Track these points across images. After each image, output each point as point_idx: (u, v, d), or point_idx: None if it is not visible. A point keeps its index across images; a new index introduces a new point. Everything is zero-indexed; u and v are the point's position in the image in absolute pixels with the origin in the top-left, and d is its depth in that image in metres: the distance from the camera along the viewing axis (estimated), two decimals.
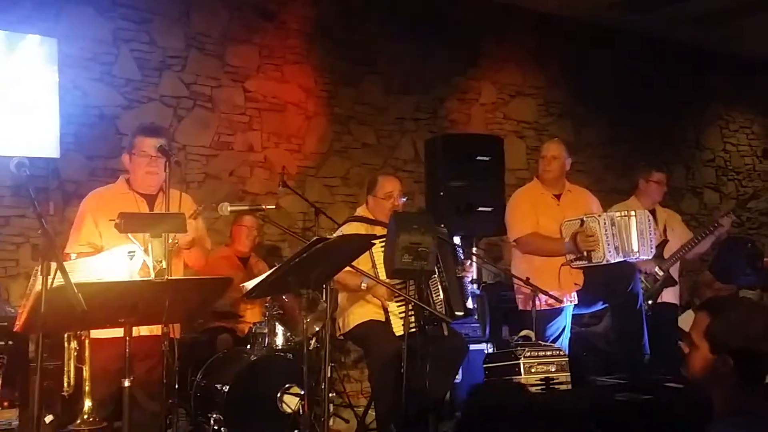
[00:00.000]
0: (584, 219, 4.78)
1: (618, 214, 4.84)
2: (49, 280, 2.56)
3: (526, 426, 2.91)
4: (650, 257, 5.05)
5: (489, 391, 3.87)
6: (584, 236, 4.73)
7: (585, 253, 4.75)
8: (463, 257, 4.72)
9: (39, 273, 2.60)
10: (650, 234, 4.92)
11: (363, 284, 4.42)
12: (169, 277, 3.05)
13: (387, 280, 4.19)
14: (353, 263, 3.98)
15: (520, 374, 4.22)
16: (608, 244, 4.71)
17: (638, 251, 4.82)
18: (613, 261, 4.73)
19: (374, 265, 4.34)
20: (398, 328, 4.32)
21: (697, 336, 2.23)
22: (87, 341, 3.24)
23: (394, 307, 4.40)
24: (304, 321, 3.70)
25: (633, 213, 4.90)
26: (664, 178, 5.66)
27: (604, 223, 4.73)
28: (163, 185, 3.69)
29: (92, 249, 3.51)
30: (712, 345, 2.20)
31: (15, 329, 2.92)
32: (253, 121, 6.67)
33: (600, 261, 4.74)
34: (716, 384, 2.20)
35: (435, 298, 4.33)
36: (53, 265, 2.57)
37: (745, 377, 2.15)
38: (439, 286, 4.35)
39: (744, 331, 2.17)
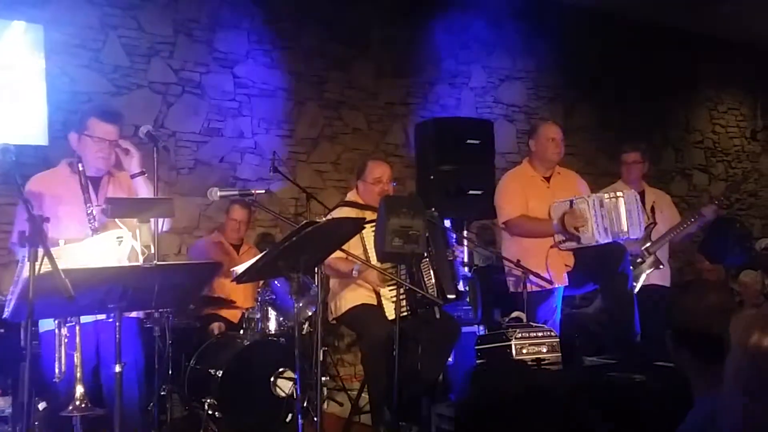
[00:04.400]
0: (573, 200, 4.78)
1: (606, 195, 4.84)
2: (37, 267, 2.56)
3: (526, 405, 2.94)
4: (640, 237, 5.06)
5: (489, 373, 3.91)
6: (573, 216, 4.73)
7: (574, 234, 4.76)
8: (455, 241, 4.73)
9: (27, 259, 2.60)
10: (638, 214, 4.93)
11: (354, 271, 4.42)
12: (158, 263, 3.05)
13: (379, 265, 4.20)
14: (344, 248, 3.98)
15: (512, 355, 4.23)
16: (597, 225, 4.71)
17: (628, 231, 4.82)
18: (602, 242, 4.73)
19: (365, 250, 4.34)
20: (390, 312, 4.32)
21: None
22: (78, 328, 3.23)
23: (386, 291, 4.41)
24: (296, 305, 3.71)
25: (620, 194, 4.89)
26: (637, 156, 5.66)
27: (593, 204, 4.72)
28: (112, 169, 3.68)
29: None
30: (670, 326, 2.26)
31: (3, 316, 2.91)
32: (243, 107, 6.66)
33: (590, 242, 4.74)
34: (683, 364, 2.24)
35: (426, 282, 4.34)
36: (40, 252, 2.56)
37: (699, 356, 2.18)
38: (431, 270, 4.36)
39: (687, 309, 2.21)
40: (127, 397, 3.49)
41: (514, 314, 4.66)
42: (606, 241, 4.74)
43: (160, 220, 3.38)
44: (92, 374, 3.50)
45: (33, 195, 3.54)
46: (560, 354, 4.38)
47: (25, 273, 2.59)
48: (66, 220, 3.51)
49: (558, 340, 4.43)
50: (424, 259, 4.28)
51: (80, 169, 3.51)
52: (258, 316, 5.00)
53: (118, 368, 2.92)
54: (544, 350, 4.32)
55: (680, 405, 2.40)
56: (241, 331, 5.03)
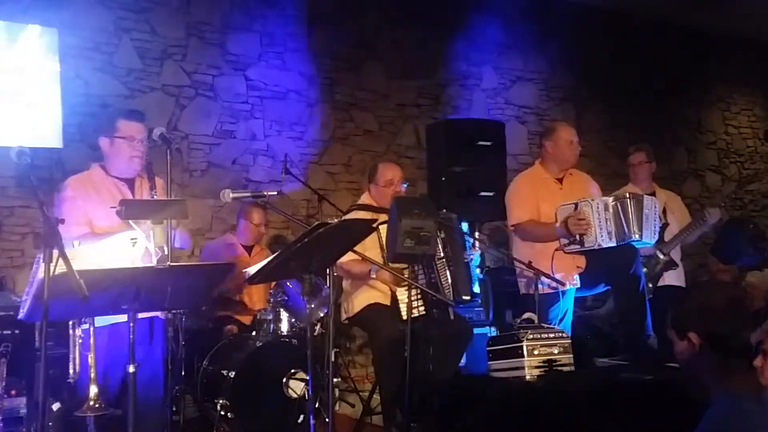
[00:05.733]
0: (578, 203, 4.78)
1: (611, 199, 4.81)
2: (52, 268, 2.58)
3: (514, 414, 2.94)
4: (653, 243, 5.05)
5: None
6: (575, 220, 4.73)
7: (577, 237, 4.75)
8: (470, 244, 4.74)
9: (41, 261, 2.62)
10: (655, 220, 4.92)
11: (372, 272, 4.43)
12: (171, 264, 3.07)
13: (396, 266, 4.20)
14: (360, 250, 3.99)
15: (523, 357, 4.23)
16: (600, 229, 4.70)
17: (640, 235, 4.80)
18: (605, 246, 4.71)
19: (382, 250, 4.34)
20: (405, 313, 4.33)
21: (670, 330, 2.29)
22: (92, 329, 3.26)
23: (401, 292, 4.41)
24: (308, 306, 3.73)
25: (638, 197, 4.88)
26: (643, 156, 5.66)
27: (597, 208, 4.71)
28: (140, 171, 3.75)
29: (90, 229, 3.49)
30: (677, 331, 2.25)
31: (19, 317, 2.94)
32: (255, 109, 6.69)
33: (592, 245, 4.73)
34: (699, 367, 2.24)
35: (443, 283, 4.34)
36: (55, 253, 2.58)
37: (718, 354, 2.18)
38: (447, 271, 4.36)
39: (702, 310, 2.22)
40: (153, 396, 3.54)
41: (526, 315, 4.65)
42: (609, 246, 4.73)
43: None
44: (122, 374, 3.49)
45: (73, 197, 3.63)
46: (572, 355, 4.37)
47: (40, 274, 2.62)
48: (104, 221, 3.56)
49: (570, 341, 4.42)
50: (441, 260, 4.29)
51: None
52: (270, 317, 5.02)
53: (132, 368, 2.94)
54: (556, 351, 4.32)
55: (692, 406, 2.41)
56: (254, 333, 5.05)
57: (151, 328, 3.48)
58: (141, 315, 3.34)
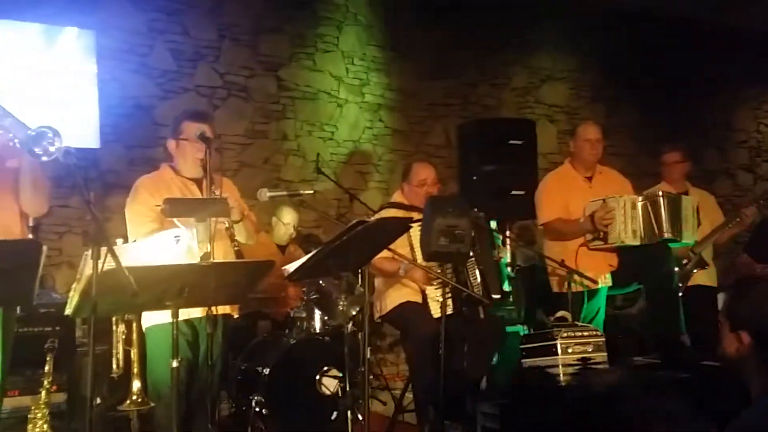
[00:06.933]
0: (606, 199, 4.79)
1: (641, 198, 4.80)
2: (100, 264, 2.64)
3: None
4: (692, 242, 5.04)
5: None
6: (602, 214, 4.74)
7: (601, 234, 4.75)
8: (501, 242, 4.77)
9: (90, 257, 2.68)
10: (694, 220, 4.91)
11: (401, 270, 4.46)
12: (214, 261, 3.13)
13: (425, 264, 4.23)
14: (391, 248, 4.02)
15: (557, 355, 4.23)
16: (625, 226, 4.71)
17: (675, 235, 4.78)
18: (628, 243, 4.71)
19: (412, 249, 4.38)
20: (436, 311, 4.36)
21: (722, 315, 2.29)
22: (134, 324, 3.33)
23: (431, 290, 4.44)
24: (343, 304, 3.77)
25: (675, 197, 4.86)
26: (678, 156, 5.61)
27: (624, 205, 4.71)
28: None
29: (159, 225, 3.45)
30: (732, 323, 2.24)
31: (66, 313, 3.00)
32: (287, 110, 6.75)
33: (615, 242, 4.72)
34: (744, 363, 2.23)
35: (472, 281, 4.37)
36: (103, 250, 2.65)
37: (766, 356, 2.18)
38: (476, 270, 4.39)
39: (762, 310, 2.20)
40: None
41: (560, 314, 4.66)
42: (633, 244, 4.72)
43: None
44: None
45: (145, 195, 3.61)
46: (606, 353, 4.37)
47: (88, 270, 2.68)
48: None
49: (604, 339, 4.42)
50: (470, 259, 4.31)
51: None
52: (303, 315, 5.07)
53: (175, 363, 2.99)
54: (590, 349, 4.32)
55: (727, 403, 2.41)
56: (287, 330, 5.11)
57: (216, 324, 3.49)
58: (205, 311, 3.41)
